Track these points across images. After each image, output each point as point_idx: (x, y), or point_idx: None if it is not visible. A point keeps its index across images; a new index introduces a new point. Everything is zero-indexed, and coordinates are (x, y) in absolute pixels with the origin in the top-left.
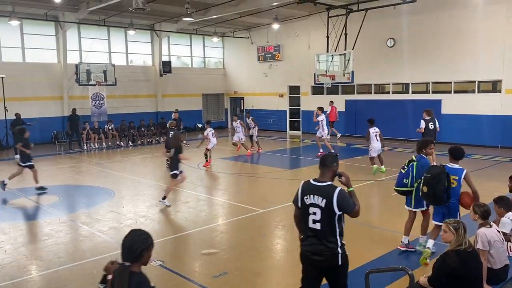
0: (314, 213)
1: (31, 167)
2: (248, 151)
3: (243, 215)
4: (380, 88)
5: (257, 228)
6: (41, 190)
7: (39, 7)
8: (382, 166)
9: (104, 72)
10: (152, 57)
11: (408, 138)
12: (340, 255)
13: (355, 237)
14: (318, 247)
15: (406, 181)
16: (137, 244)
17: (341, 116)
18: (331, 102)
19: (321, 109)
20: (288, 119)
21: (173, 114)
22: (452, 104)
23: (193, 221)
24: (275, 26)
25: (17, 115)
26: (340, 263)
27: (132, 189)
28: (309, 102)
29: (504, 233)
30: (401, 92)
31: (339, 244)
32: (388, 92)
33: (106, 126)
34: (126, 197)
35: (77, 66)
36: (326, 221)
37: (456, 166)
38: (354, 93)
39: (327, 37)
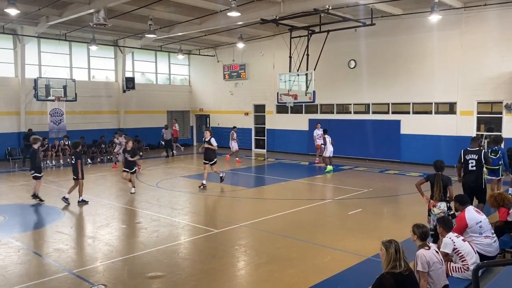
0: (472, 163)
1: None
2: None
3: (196, 235)
4: (343, 108)
5: (209, 249)
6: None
7: None
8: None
9: (64, 87)
10: (115, 73)
11: (369, 157)
12: (483, 182)
13: (307, 257)
14: (473, 179)
15: (500, 162)
16: (443, 164)
17: (304, 135)
18: (175, 120)
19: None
20: (253, 137)
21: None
22: (411, 125)
23: (143, 243)
24: (240, 45)
25: None
26: (483, 186)
27: (84, 209)
28: (274, 121)
29: (445, 253)
30: (363, 112)
31: (483, 177)
32: (350, 112)
33: (62, 141)
34: (76, 218)
35: (35, 80)
36: (478, 166)
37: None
38: (317, 113)
39: (290, 57)
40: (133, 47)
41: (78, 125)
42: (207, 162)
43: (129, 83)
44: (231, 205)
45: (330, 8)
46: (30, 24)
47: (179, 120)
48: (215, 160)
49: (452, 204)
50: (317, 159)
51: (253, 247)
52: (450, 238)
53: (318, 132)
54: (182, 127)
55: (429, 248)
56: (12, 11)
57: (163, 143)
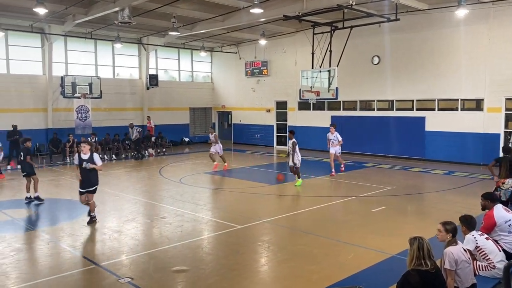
0: None
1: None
2: (225, 164)
3: (220, 231)
4: (366, 105)
5: (233, 244)
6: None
7: (24, 18)
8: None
9: (90, 84)
10: (139, 70)
11: (393, 154)
12: None
13: (330, 254)
14: None
15: None
16: (511, 147)
17: (326, 132)
18: (148, 117)
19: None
20: (275, 134)
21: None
22: (436, 122)
23: (167, 237)
24: (262, 42)
25: (13, 126)
26: None
27: (110, 204)
28: (296, 118)
29: (470, 252)
30: (386, 109)
31: None
32: (373, 109)
33: (89, 138)
34: (102, 212)
35: (62, 78)
36: None
37: None
38: (339, 109)
39: (312, 53)
40: (157, 45)
41: (103, 122)
42: (84, 190)
43: (153, 80)
44: (253, 202)
45: (354, 3)
46: (57, 23)
47: (201, 117)
48: (96, 186)
49: None
50: (333, 171)
51: (275, 243)
52: (472, 235)
53: (331, 136)
54: (204, 124)
55: (457, 243)
56: (41, 10)
57: (128, 143)
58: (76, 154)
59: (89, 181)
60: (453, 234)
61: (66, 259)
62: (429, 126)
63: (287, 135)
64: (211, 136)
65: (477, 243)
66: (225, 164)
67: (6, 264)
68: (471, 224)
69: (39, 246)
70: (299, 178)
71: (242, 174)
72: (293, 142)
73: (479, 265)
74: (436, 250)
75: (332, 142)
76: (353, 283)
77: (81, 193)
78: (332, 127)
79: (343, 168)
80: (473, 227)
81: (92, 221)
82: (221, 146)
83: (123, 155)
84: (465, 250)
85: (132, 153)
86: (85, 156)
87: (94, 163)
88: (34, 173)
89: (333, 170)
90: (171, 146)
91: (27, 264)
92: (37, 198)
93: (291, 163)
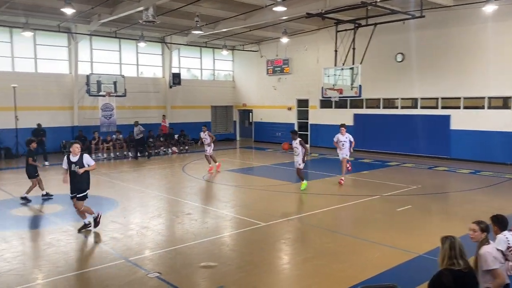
0: None
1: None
2: (210, 165)
3: (244, 228)
4: (390, 103)
5: (257, 241)
6: (47, 196)
7: (52, 18)
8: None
9: (114, 83)
10: (163, 69)
11: (417, 153)
12: None
13: (355, 253)
14: None
15: None
16: None
17: (349, 130)
18: (164, 116)
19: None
20: None
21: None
22: (461, 120)
23: (194, 233)
24: (284, 40)
25: (38, 125)
26: None
27: (136, 200)
28: (317, 116)
29: (502, 253)
30: (410, 107)
31: None
32: (397, 107)
33: (114, 136)
34: (129, 208)
35: (88, 77)
36: None
37: None
38: (362, 107)
39: (335, 51)
40: (180, 44)
41: (127, 120)
42: (74, 195)
43: (176, 79)
44: (276, 199)
45: (378, 0)
46: (83, 22)
47: (222, 115)
48: (87, 192)
49: None
50: (342, 178)
51: (300, 241)
52: (504, 235)
53: (342, 138)
54: (225, 122)
55: (489, 242)
56: (68, 11)
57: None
58: (65, 156)
59: (78, 185)
60: (486, 232)
61: (95, 253)
62: (454, 125)
63: (291, 135)
64: (203, 134)
65: (509, 243)
66: (211, 166)
67: (40, 257)
68: (503, 223)
69: (69, 241)
70: (303, 180)
71: (264, 172)
72: (300, 140)
73: (511, 265)
74: (467, 250)
75: (343, 144)
76: (380, 282)
77: (72, 198)
78: (343, 128)
79: (350, 168)
80: (505, 226)
81: (97, 224)
82: (212, 146)
83: (146, 153)
84: (497, 249)
85: (125, 152)
86: (74, 158)
87: (84, 166)
88: (33, 176)
89: (343, 177)
90: (193, 144)
91: (58, 258)
92: (24, 198)
93: (301, 164)
